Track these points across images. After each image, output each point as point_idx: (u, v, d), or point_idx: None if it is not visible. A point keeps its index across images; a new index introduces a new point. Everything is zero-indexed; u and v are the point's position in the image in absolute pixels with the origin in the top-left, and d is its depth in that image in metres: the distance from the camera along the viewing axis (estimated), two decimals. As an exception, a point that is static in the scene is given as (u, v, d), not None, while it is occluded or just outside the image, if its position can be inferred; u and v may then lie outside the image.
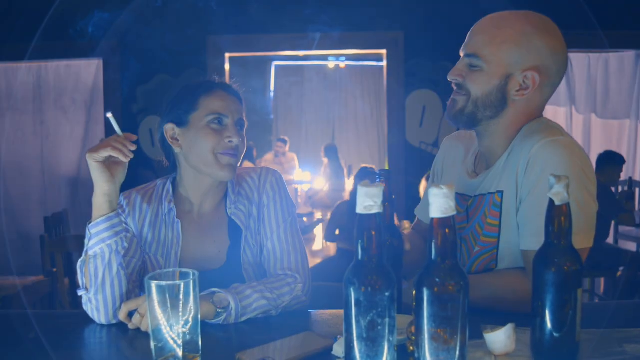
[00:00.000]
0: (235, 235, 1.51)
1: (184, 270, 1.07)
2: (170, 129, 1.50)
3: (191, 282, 1.03)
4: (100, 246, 1.30)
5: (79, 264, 1.33)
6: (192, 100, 1.48)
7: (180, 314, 1.02)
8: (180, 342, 1.02)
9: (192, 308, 1.03)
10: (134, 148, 1.30)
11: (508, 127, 1.41)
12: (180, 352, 1.02)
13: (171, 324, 1.02)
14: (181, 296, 1.02)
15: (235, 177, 1.55)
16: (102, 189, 1.30)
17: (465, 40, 1.41)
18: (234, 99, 1.50)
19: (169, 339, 1.02)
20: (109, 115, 1.32)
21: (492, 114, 1.39)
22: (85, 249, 1.32)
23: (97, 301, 1.31)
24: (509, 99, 1.37)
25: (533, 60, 1.34)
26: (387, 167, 4.82)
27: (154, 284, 1.02)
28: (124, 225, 1.40)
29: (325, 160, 7.40)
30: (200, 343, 1.05)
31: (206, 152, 1.45)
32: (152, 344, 1.03)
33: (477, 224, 1.41)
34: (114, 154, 1.28)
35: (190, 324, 1.03)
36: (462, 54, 1.41)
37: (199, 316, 1.05)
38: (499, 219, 1.37)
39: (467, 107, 1.39)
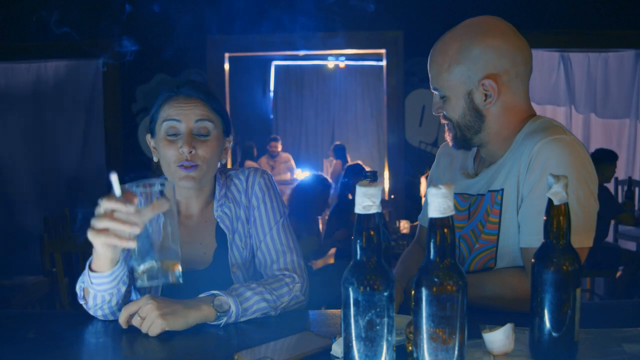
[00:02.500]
0: (222, 237, 1.51)
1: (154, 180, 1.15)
2: (148, 138, 1.53)
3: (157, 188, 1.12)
4: (101, 293, 1.27)
5: (78, 284, 1.33)
6: (155, 109, 1.48)
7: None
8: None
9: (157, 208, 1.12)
10: (133, 211, 1.12)
11: (500, 131, 1.43)
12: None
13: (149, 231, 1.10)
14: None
15: (223, 179, 1.55)
16: (105, 255, 1.22)
17: (429, 75, 1.47)
18: (194, 101, 1.45)
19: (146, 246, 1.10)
20: (113, 177, 1.13)
21: (477, 129, 1.43)
22: (85, 279, 1.28)
23: (95, 313, 1.33)
24: (482, 111, 1.41)
25: (481, 69, 1.37)
26: (386, 167, 4.82)
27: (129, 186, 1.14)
28: (125, 270, 1.31)
29: (335, 160, 7.40)
30: (179, 251, 1.10)
31: (166, 163, 1.44)
32: (134, 255, 1.12)
33: (479, 222, 1.42)
34: (114, 242, 1.15)
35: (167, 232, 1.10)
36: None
37: (176, 222, 1.14)
38: (499, 216, 1.37)
39: (457, 133, 1.46)
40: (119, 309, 1.31)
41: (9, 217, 4.98)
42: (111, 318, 1.34)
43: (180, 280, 1.15)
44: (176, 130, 1.43)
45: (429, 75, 1.46)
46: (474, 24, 1.41)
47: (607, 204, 3.79)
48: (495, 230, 1.38)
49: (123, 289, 1.29)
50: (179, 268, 1.14)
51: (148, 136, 1.53)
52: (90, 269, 1.26)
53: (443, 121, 1.48)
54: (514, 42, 1.38)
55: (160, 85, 4.55)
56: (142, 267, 1.11)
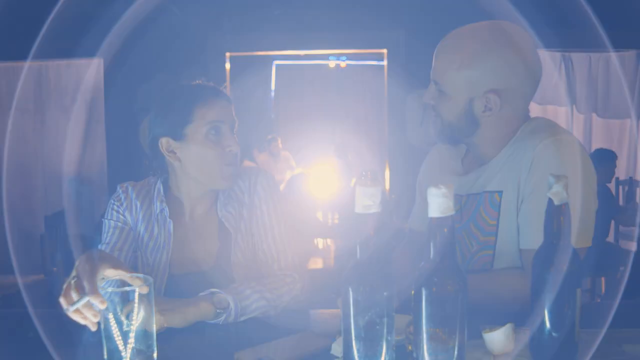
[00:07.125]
0: (224, 236, 1.50)
1: (138, 275, 1.05)
2: (165, 142, 1.46)
3: (136, 292, 0.99)
4: None
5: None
6: (186, 111, 1.44)
7: (128, 321, 0.99)
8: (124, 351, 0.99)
9: (141, 317, 0.99)
10: (97, 319, 1.06)
11: (492, 136, 1.40)
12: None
13: (123, 331, 0.99)
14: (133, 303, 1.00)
15: None
16: None
17: (432, 64, 1.41)
18: (226, 103, 1.49)
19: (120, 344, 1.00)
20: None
21: (468, 133, 1.40)
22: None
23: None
24: (479, 119, 1.38)
25: (490, 82, 1.33)
26: (387, 167, 4.82)
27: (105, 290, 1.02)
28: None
29: (336, 160, 7.38)
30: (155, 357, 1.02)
31: (209, 165, 1.44)
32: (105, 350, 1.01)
33: (472, 223, 1.40)
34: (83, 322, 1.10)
35: (138, 333, 1.00)
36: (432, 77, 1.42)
37: (154, 329, 1.02)
38: (497, 218, 1.36)
39: (443, 130, 1.42)
40: None
41: (11, 216, 4.98)
42: None
43: None
44: (218, 131, 1.45)
45: (433, 64, 1.39)
46: (497, 30, 1.36)
47: (607, 204, 3.79)
48: (493, 232, 1.37)
49: None
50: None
51: (166, 139, 1.46)
52: None
53: (431, 112, 1.43)
54: (530, 61, 1.35)
55: (161, 84, 4.54)
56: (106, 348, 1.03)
